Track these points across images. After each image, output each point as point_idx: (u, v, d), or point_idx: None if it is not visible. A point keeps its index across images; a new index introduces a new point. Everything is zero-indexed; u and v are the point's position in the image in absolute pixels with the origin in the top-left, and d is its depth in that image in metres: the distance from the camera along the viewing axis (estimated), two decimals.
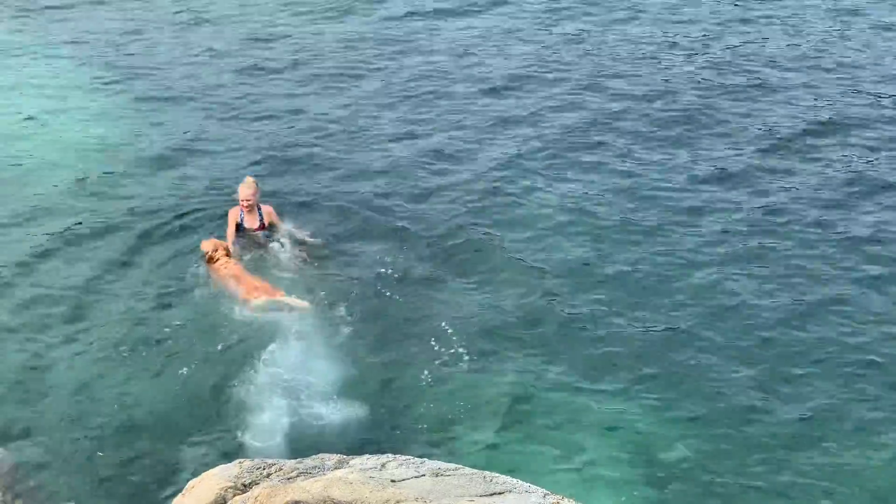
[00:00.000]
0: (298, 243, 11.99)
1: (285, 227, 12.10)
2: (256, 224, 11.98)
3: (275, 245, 11.94)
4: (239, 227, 12.00)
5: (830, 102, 15.87)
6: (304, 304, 10.97)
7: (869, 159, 14.02)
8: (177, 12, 20.94)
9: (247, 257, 11.82)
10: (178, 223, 12.50)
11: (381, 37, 19.61)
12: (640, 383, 9.58)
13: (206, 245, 11.87)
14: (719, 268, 11.51)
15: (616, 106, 15.88)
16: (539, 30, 19.64)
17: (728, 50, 18.44)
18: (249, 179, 12.01)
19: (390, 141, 14.97)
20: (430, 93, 16.71)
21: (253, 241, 11.98)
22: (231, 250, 11.83)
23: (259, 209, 11.98)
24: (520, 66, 17.86)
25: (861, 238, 12.12)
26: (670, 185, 13.39)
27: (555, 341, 10.14)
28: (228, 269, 11.54)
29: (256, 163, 14.15)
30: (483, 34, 19.55)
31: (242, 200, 11.87)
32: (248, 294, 11.12)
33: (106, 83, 16.97)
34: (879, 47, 18.33)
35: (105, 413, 9.25)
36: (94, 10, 20.98)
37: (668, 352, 10.02)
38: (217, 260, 11.67)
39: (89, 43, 18.89)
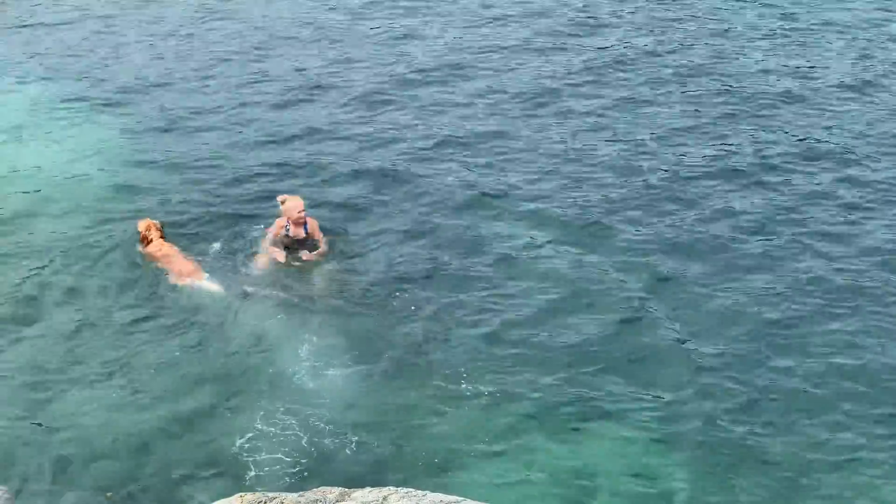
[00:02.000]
0: (326, 256, 12.16)
1: (324, 239, 12.33)
2: (303, 234, 12.20)
3: (309, 255, 12.08)
4: (284, 237, 12.23)
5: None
6: (218, 288, 11.43)
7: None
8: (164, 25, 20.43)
9: (284, 263, 11.94)
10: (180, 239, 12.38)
11: (386, 34, 19.72)
12: (650, 414, 9.51)
13: (140, 225, 12.11)
14: (725, 286, 11.53)
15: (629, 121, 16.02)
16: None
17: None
18: (299, 198, 12.23)
19: (401, 146, 14.99)
20: (444, 91, 16.90)
21: (292, 250, 12.13)
22: (273, 253, 11.99)
23: (305, 222, 12.23)
24: (534, 70, 17.97)
25: (878, 249, 12.31)
26: (677, 206, 13.35)
27: (562, 373, 10.04)
28: (162, 251, 11.88)
29: (270, 173, 14.16)
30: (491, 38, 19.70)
31: (298, 214, 12.06)
32: (177, 277, 11.58)
33: (102, 101, 16.58)
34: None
35: (102, 447, 9.06)
36: (86, 26, 20.33)
37: (677, 381, 9.99)
38: (151, 241, 11.96)
39: (81, 59, 18.51)
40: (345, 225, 12.74)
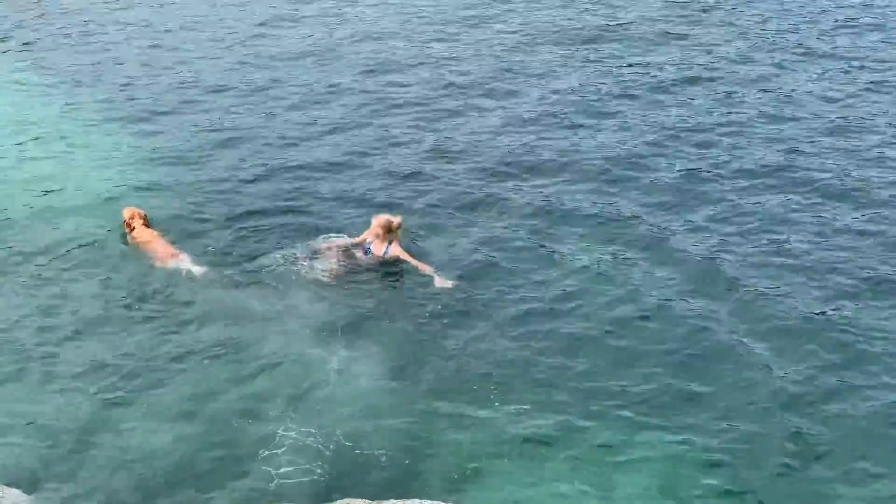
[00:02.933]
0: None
1: (413, 264, 12.02)
2: (380, 253, 12.09)
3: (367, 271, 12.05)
4: (363, 247, 12.21)
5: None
6: (201, 269, 11.83)
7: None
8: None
9: (348, 269, 11.99)
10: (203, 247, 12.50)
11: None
12: (675, 424, 9.48)
13: (125, 213, 12.57)
14: (739, 292, 11.52)
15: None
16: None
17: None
18: (384, 217, 12.15)
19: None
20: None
21: (362, 262, 12.10)
22: (337, 255, 12.12)
23: (389, 243, 12.12)
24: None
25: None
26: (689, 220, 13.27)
27: (589, 392, 9.97)
28: (145, 236, 12.40)
29: (291, 184, 14.17)
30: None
31: (383, 232, 12.09)
32: (160, 260, 12.07)
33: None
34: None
35: (125, 455, 8.99)
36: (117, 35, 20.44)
37: (696, 390, 9.97)
38: (134, 227, 12.46)
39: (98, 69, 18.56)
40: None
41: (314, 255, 12.12)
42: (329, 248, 12.21)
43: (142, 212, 12.50)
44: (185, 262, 11.86)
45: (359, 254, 12.12)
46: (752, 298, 11.38)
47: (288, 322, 10.94)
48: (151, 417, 9.50)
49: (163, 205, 13.34)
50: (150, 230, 12.34)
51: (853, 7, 21.79)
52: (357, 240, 12.27)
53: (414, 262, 12.02)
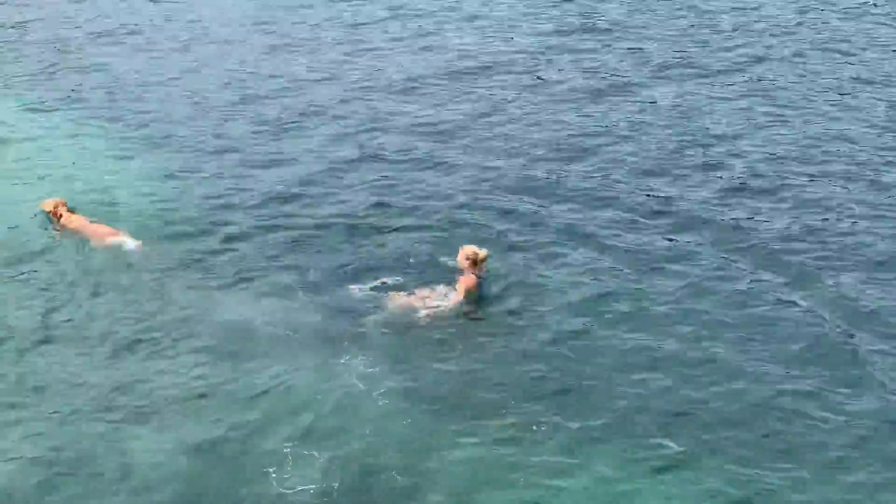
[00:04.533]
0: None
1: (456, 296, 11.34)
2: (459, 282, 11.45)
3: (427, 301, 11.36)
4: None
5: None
6: (135, 242, 12.15)
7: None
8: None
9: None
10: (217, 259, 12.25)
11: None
12: (680, 461, 9.09)
13: (47, 204, 12.77)
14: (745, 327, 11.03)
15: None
16: None
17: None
18: (470, 248, 11.50)
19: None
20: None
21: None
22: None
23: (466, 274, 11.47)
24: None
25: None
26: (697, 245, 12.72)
27: (604, 411, 9.67)
28: (73, 223, 12.61)
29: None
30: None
31: (460, 261, 11.56)
32: (96, 241, 12.33)
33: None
34: None
35: (123, 471, 8.79)
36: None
37: (701, 426, 9.55)
38: (60, 216, 12.65)
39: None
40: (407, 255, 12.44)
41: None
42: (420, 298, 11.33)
43: (62, 200, 12.68)
44: (122, 236, 12.14)
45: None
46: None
47: (300, 337, 10.66)
48: (151, 432, 9.26)
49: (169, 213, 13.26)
50: (77, 216, 12.53)
51: None
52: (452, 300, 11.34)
53: (459, 290, 11.31)
